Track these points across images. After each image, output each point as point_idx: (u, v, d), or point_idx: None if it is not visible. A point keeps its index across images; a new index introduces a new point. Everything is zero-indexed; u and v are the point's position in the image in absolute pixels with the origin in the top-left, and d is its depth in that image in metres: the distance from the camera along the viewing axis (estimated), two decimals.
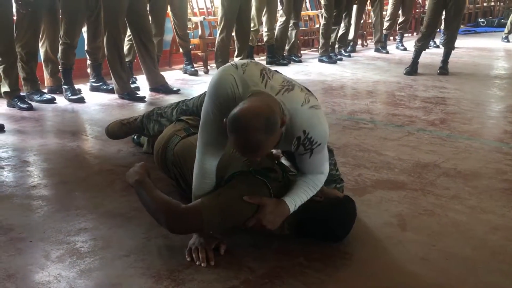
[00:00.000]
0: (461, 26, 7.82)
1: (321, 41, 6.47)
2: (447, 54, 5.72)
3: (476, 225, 2.08)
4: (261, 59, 6.20)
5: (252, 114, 1.55)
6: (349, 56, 6.99)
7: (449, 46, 5.69)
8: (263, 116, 1.55)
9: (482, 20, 11.16)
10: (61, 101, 4.11)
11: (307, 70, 5.93)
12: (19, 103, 3.79)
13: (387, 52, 7.42)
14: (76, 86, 4.26)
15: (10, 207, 2.17)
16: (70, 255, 1.77)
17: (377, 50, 7.53)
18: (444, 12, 5.63)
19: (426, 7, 6.07)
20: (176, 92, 4.52)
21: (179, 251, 1.79)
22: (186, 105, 2.51)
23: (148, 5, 4.50)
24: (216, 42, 5.41)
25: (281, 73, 1.84)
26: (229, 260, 1.75)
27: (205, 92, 2.47)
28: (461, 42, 7.55)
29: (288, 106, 1.68)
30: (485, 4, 11.86)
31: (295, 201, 1.78)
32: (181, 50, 5.55)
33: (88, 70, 4.57)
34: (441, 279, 1.69)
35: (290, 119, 1.68)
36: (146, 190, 1.84)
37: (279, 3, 6.12)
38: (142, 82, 4.66)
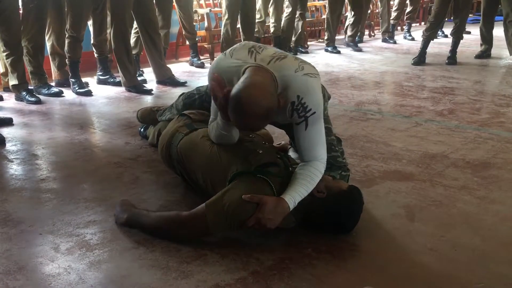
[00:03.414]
0: (470, 15, 7.74)
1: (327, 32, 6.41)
2: (455, 44, 5.67)
3: (485, 216, 2.07)
4: None
5: (254, 102, 1.62)
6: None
7: (457, 35, 5.64)
8: (264, 105, 1.62)
9: None
10: (69, 94, 4.12)
11: (314, 61, 5.88)
12: (27, 96, 3.81)
13: (395, 42, 7.37)
14: (83, 79, 4.28)
15: (20, 200, 2.19)
16: (79, 247, 1.79)
17: (384, 40, 7.48)
18: (452, 1, 5.57)
19: None
20: (183, 84, 4.52)
21: (187, 243, 1.80)
22: (197, 90, 2.51)
23: None
24: (222, 33, 5.40)
25: (275, 48, 1.93)
26: (237, 252, 1.76)
27: None
28: (469, 31, 7.48)
29: (281, 74, 1.74)
30: None
31: (294, 198, 1.77)
32: (187, 42, 5.54)
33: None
34: (450, 269, 1.69)
35: (284, 87, 1.74)
36: (141, 217, 1.90)
37: None
38: (149, 75, 4.66)
